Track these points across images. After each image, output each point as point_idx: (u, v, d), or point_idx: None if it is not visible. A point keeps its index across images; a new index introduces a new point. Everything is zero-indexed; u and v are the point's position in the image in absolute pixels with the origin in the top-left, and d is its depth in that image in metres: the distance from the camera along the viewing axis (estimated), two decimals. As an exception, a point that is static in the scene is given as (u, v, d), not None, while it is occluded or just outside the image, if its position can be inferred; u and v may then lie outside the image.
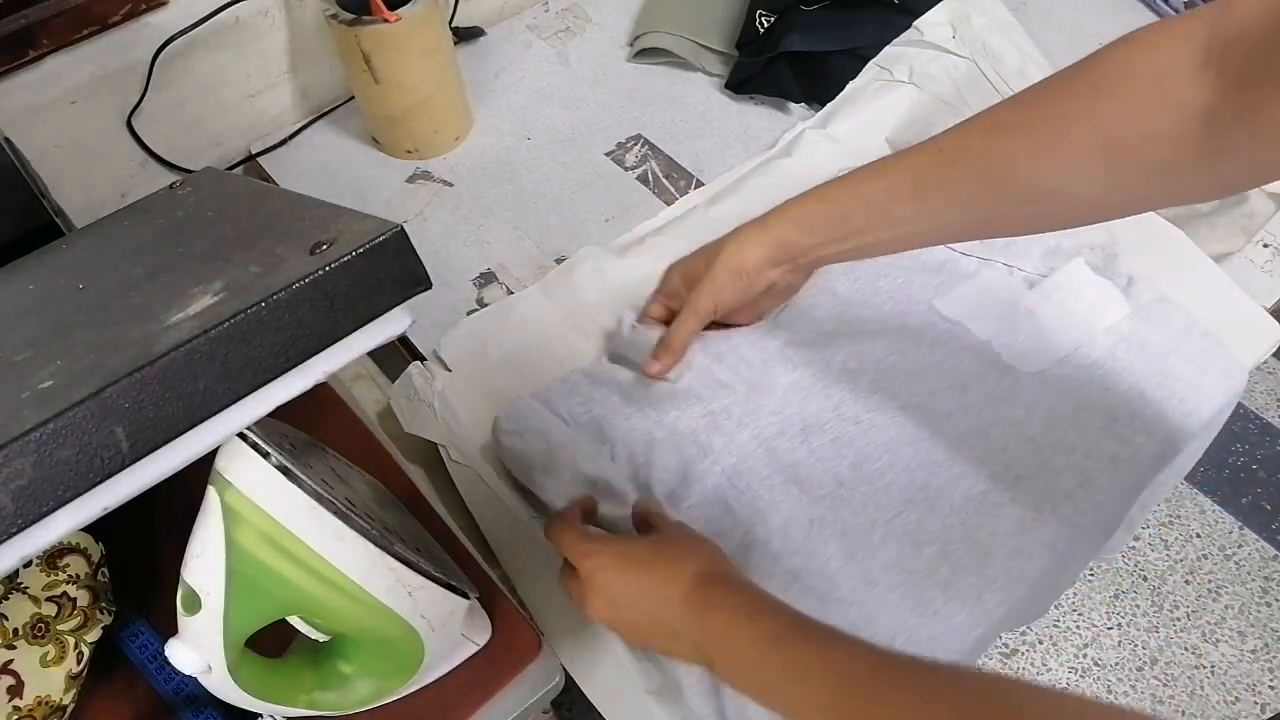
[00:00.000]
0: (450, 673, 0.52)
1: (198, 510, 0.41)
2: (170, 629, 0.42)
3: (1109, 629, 1.42)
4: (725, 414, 0.65)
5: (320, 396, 0.58)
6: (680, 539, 0.53)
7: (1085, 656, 1.39)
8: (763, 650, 0.44)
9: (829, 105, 0.85)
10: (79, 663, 0.49)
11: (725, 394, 0.66)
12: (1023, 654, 1.39)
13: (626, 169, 0.85)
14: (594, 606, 0.50)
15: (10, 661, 0.47)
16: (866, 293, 0.71)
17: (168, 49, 0.76)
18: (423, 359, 0.70)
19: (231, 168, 0.86)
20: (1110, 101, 0.45)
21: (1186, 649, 1.40)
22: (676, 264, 0.65)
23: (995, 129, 0.49)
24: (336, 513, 0.41)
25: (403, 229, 0.38)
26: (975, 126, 0.50)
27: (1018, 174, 0.48)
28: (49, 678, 0.48)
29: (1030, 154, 0.47)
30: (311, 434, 0.50)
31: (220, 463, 0.40)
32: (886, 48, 0.85)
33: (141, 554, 0.55)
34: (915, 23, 0.84)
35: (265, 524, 0.40)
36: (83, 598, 0.50)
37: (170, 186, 0.57)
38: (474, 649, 0.52)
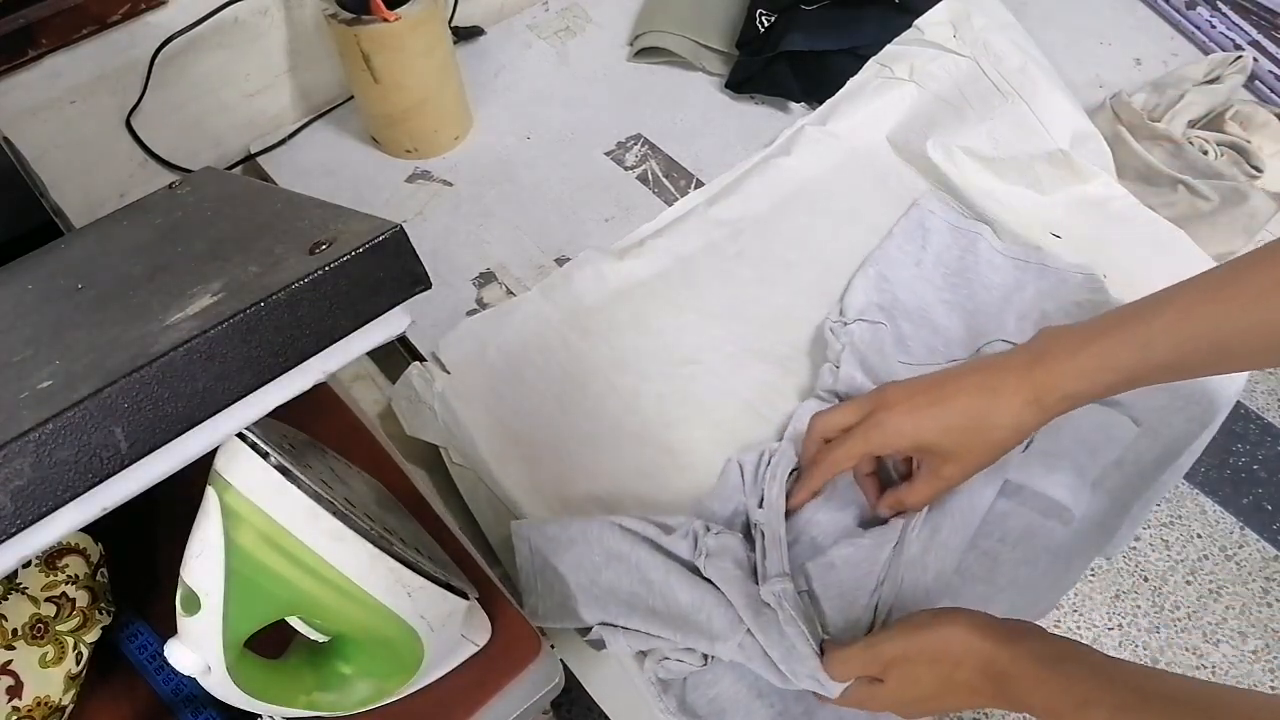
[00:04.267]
0: (450, 673, 0.51)
1: (197, 510, 0.41)
2: (169, 629, 0.42)
3: (1110, 629, 1.42)
4: None
5: (320, 397, 0.58)
6: (922, 627, 0.51)
7: (1086, 657, 1.39)
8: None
9: (829, 101, 0.85)
10: (78, 663, 0.49)
11: None
12: (1023, 654, 1.39)
13: (626, 169, 0.85)
14: (885, 705, 0.52)
15: (9, 662, 0.47)
16: None
17: (167, 48, 0.76)
18: (423, 359, 0.70)
19: (231, 167, 0.86)
20: None
21: (1187, 649, 1.40)
22: (912, 415, 0.53)
23: None
24: (336, 513, 0.41)
25: (402, 228, 0.38)
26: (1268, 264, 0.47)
27: None
28: (48, 678, 0.48)
29: None
30: (311, 434, 0.50)
31: (219, 463, 0.40)
32: (887, 46, 0.85)
33: (141, 554, 0.55)
34: (916, 22, 0.84)
35: (264, 524, 0.40)
36: (82, 598, 0.50)
37: (169, 186, 0.56)
38: (474, 649, 0.52)
